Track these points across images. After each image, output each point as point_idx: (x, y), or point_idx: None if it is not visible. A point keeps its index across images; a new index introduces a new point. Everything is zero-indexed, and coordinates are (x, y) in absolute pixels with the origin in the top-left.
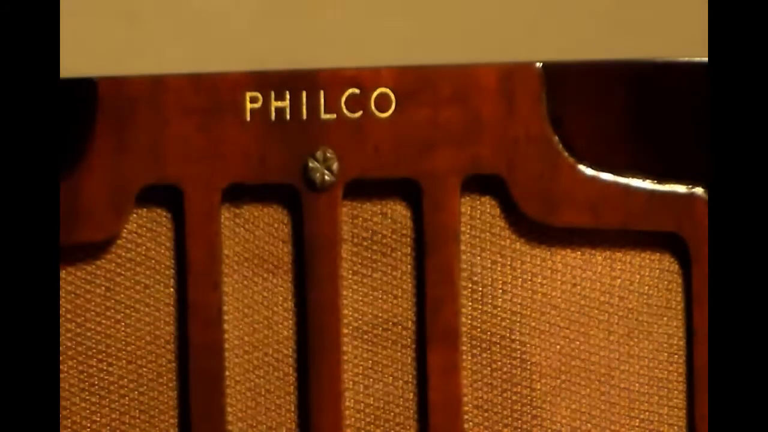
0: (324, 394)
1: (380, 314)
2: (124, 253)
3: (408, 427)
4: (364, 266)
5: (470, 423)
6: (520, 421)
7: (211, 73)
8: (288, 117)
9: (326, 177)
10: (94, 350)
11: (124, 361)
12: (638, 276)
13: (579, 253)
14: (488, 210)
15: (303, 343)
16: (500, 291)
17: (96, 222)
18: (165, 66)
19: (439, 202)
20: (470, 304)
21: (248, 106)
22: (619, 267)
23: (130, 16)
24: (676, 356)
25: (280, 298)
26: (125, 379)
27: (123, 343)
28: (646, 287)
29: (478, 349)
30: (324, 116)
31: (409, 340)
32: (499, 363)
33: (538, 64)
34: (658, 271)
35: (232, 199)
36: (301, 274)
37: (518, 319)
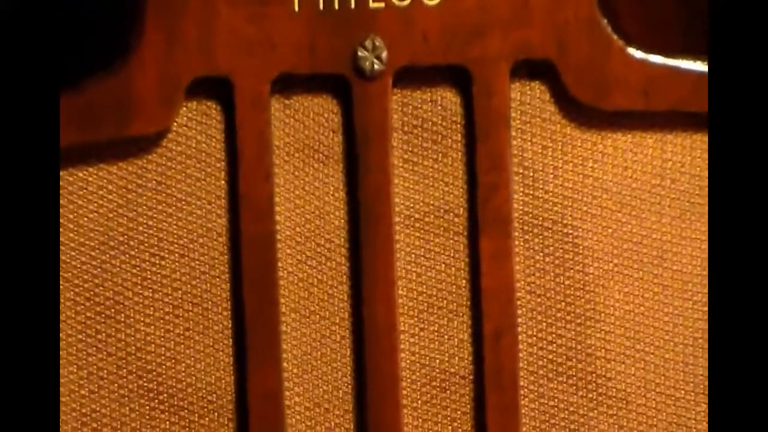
0: (377, 283)
1: (432, 202)
2: (174, 147)
3: (461, 314)
4: (414, 154)
5: (523, 309)
6: (573, 306)
7: None
8: (337, 6)
9: (375, 65)
10: (147, 244)
11: (176, 255)
12: (689, 158)
13: (630, 136)
14: (538, 95)
15: (355, 232)
16: (551, 176)
17: (147, 115)
18: None
19: (489, 88)
20: (521, 189)
21: None
22: (670, 149)
23: None
24: None
25: (332, 187)
26: (178, 273)
27: (175, 236)
28: (698, 168)
29: (530, 234)
30: (372, 5)
31: (461, 227)
32: (552, 248)
33: None
34: None
35: (282, 90)
36: (352, 164)
37: (570, 204)
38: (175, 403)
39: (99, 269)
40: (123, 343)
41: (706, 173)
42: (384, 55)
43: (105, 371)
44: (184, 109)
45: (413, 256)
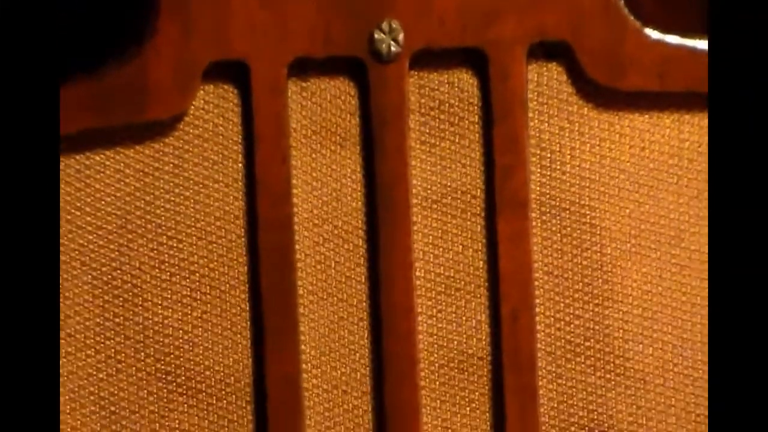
0: (394, 265)
1: (449, 183)
2: (191, 130)
3: (479, 296)
4: (431, 136)
5: (541, 290)
6: (591, 287)
7: None
8: None
9: (392, 48)
10: (164, 227)
11: (194, 238)
12: (706, 138)
13: (647, 116)
14: (555, 76)
15: (372, 214)
16: (569, 157)
17: (163, 100)
18: None
19: (505, 69)
20: (539, 171)
21: None
22: (687, 129)
23: None
24: None
25: (349, 170)
26: (195, 256)
27: (192, 219)
28: None
29: (548, 215)
30: None
31: (478, 208)
32: (569, 229)
33: None
34: None
35: (299, 73)
36: (369, 146)
37: (587, 185)
38: (193, 386)
39: (117, 253)
40: (141, 326)
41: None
42: (401, 37)
43: (123, 354)
44: (201, 92)
45: (430, 237)
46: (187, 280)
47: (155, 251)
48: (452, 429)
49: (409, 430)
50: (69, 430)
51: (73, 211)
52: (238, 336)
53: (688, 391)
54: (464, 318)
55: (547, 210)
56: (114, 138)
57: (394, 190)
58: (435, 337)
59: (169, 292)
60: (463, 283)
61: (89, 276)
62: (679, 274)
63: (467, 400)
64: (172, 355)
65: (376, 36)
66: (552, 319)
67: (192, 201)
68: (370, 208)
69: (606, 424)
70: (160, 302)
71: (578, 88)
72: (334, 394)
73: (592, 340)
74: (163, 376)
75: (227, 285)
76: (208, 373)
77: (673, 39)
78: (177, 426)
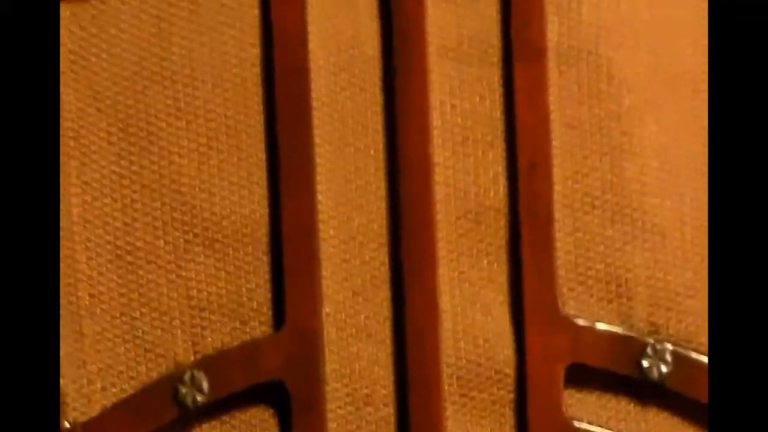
0: (411, 114)
1: (465, 32)
2: None
3: (496, 147)
4: None
5: (558, 141)
6: (608, 138)
7: None
8: None
9: None
10: (180, 75)
11: (210, 85)
12: None
13: None
14: None
15: (389, 61)
16: (585, 5)
17: None
18: None
19: None
20: (556, 19)
21: None
22: None
23: None
24: None
25: (365, 17)
26: (212, 103)
27: (209, 66)
28: None
29: (565, 66)
30: None
31: (495, 57)
32: (587, 79)
33: None
34: None
35: None
36: None
37: (604, 34)
38: (210, 235)
39: (132, 100)
40: (157, 174)
41: None
42: None
43: (139, 203)
44: None
45: (448, 87)
46: (204, 128)
47: (171, 98)
48: (469, 281)
49: (425, 282)
50: (85, 279)
51: (88, 57)
52: (255, 185)
53: (705, 245)
54: (481, 169)
55: (565, 60)
56: None
57: (411, 37)
58: (452, 188)
59: (186, 140)
60: (480, 134)
61: (105, 123)
62: (694, 125)
63: (484, 252)
64: (188, 204)
65: None
66: (569, 171)
67: (208, 47)
68: (386, 55)
69: (623, 278)
70: (176, 150)
71: None
72: (350, 245)
73: (609, 193)
74: (180, 226)
75: (244, 133)
76: (224, 222)
77: None
78: (193, 276)
